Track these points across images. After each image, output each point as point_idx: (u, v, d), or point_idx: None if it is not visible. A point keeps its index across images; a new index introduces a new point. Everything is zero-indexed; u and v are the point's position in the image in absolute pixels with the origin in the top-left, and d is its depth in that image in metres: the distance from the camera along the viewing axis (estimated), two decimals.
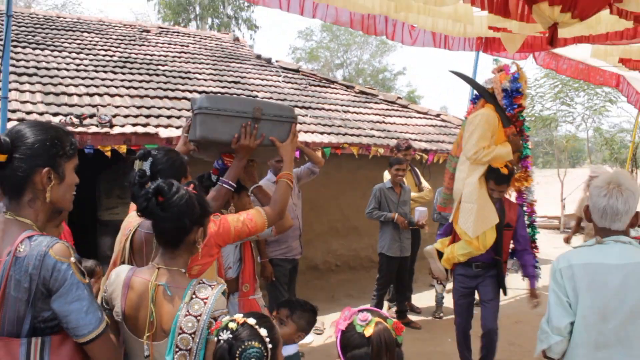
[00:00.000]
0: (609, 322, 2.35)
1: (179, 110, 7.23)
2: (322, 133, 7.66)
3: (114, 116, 6.41)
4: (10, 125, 5.49)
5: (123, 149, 6.01)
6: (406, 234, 6.38)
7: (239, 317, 1.82)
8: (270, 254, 5.37)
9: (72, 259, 1.76)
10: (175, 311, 1.94)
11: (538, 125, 17.51)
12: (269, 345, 1.79)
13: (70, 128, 5.82)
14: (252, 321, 1.80)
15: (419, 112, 10.80)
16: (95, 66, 8.38)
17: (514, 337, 6.29)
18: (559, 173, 17.01)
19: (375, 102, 10.56)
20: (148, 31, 11.93)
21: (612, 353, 2.37)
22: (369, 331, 1.72)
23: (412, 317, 6.80)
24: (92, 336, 1.79)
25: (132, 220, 2.61)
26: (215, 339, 1.81)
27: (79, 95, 6.96)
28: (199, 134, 2.91)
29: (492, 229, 4.50)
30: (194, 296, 1.96)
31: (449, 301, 7.23)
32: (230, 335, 1.75)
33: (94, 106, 6.63)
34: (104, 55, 9.11)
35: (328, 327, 6.23)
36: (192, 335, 1.90)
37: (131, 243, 2.54)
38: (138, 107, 6.97)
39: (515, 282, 7.80)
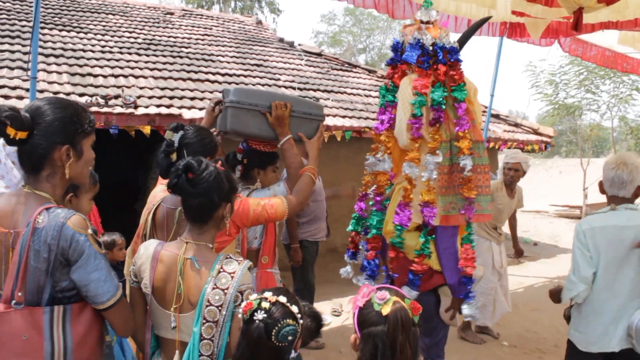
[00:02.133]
0: (624, 271, 3.06)
1: (202, 92, 7.30)
2: (343, 117, 7.68)
3: (139, 97, 6.50)
4: None
5: (147, 129, 6.10)
6: None
7: (269, 295, 1.85)
8: (300, 236, 5.44)
9: (89, 231, 1.82)
10: (203, 284, 2.00)
11: (562, 113, 17.27)
12: (300, 322, 1.85)
13: (95, 108, 5.92)
14: (283, 299, 1.84)
15: None
16: (120, 48, 8.48)
17: (530, 324, 6.30)
18: (582, 162, 16.80)
19: None
20: (172, 13, 12.01)
21: (628, 298, 3.07)
22: (386, 310, 1.73)
23: None
24: (110, 303, 1.86)
25: (157, 194, 2.70)
26: (241, 316, 1.85)
27: (104, 77, 7.06)
28: (230, 127, 3.06)
29: None
30: (221, 270, 2.01)
31: None
32: (265, 315, 1.79)
33: (118, 87, 6.73)
34: (128, 37, 9.21)
35: (346, 310, 6.30)
36: (220, 308, 1.97)
37: (153, 217, 2.63)
38: (162, 89, 7.05)
39: (534, 271, 7.83)
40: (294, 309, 1.84)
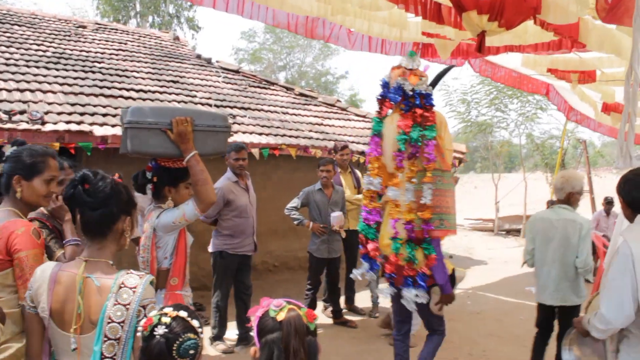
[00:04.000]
0: (549, 249, 4.59)
1: (115, 108, 7.10)
2: (260, 134, 7.68)
3: (47, 113, 6.24)
4: None
5: (56, 146, 5.86)
6: (336, 236, 6.52)
7: (169, 311, 1.85)
8: (221, 247, 5.58)
9: None
10: (104, 301, 1.96)
11: (474, 131, 18.01)
12: (202, 336, 1.85)
13: None
14: (183, 314, 1.84)
15: (357, 115, 10.96)
16: (27, 61, 8.12)
17: (447, 334, 6.45)
18: (494, 177, 17.55)
19: (315, 105, 10.64)
20: (84, 27, 11.63)
21: (551, 267, 4.59)
22: (281, 316, 1.77)
23: (352, 317, 6.90)
24: None
25: None
26: (141, 334, 1.83)
27: (9, 91, 6.73)
28: (131, 149, 3.02)
29: None
30: (122, 285, 1.98)
31: (383, 301, 7.38)
32: (166, 330, 1.78)
33: (24, 102, 6.43)
34: (36, 50, 8.83)
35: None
36: (122, 324, 1.93)
37: None
38: (72, 105, 6.81)
39: None
40: (195, 323, 1.84)
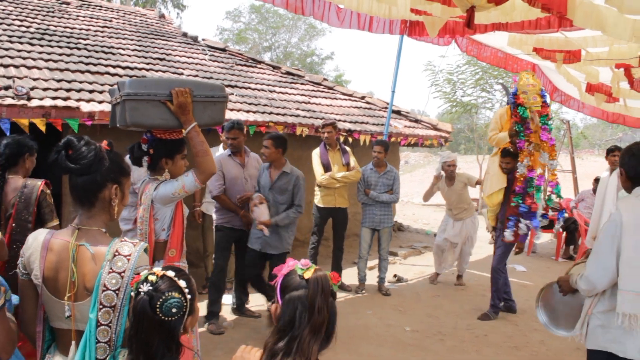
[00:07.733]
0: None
1: (102, 85, 7.04)
2: (247, 111, 7.67)
3: (32, 89, 6.17)
4: None
5: (42, 123, 5.81)
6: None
7: (157, 270, 1.85)
8: (218, 221, 5.72)
9: None
10: (99, 269, 1.95)
11: (460, 111, 18.07)
12: (188, 296, 1.84)
13: None
14: (171, 273, 1.84)
15: (344, 94, 10.96)
16: (10, 36, 7.99)
17: (432, 310, 6.57)
18: (478, 158, 17.67)
19: (302, 83, 10.62)
20: (68, 3, 11.47)
21: None
22: (308, 274, 1.77)
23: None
24: None
25: None
26: (134, 292, 1.83)
27: None
28: (130, 121, 2.99)
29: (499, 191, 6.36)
30: (116, 253, 1.97)
31: (371, 278, 7.46)
32: (150, 287, 1.78)
33: (9, 78, 6.34)
34: (19, 26, 8.69)
35: (255, 304, 6.30)
36: (117, 292, 1.93)
37: None
38: (58, 81, 6.73)
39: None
40: (181, 283, 1.83)
